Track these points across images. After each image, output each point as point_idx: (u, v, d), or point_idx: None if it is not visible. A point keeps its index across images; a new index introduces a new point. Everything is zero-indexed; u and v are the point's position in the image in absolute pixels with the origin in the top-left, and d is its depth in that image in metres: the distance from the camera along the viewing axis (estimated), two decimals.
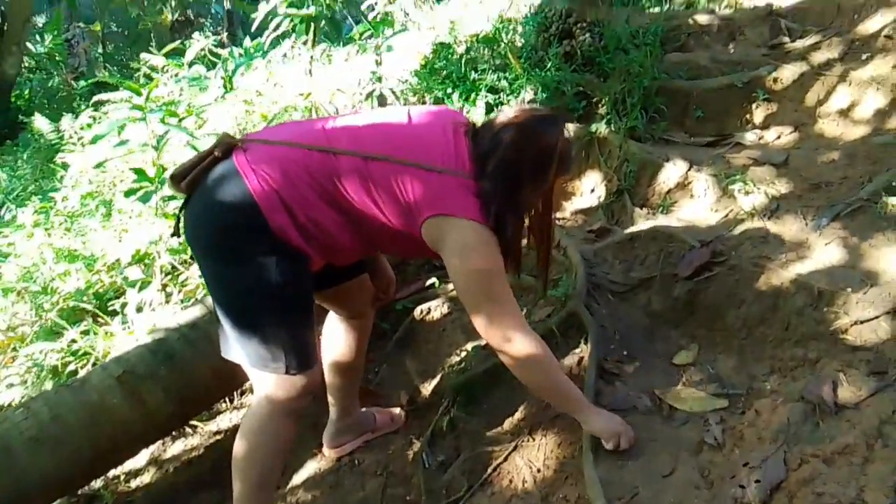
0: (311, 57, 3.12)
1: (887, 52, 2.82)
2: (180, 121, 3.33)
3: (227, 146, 1.58)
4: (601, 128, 3.02)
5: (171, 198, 2.96)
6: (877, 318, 1.82)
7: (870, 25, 3.05)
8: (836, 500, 1.43)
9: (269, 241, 1.52)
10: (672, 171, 2.74)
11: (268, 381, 1.62)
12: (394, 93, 3.75)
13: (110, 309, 3.12)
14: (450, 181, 1.56)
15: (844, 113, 2.78)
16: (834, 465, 1.52)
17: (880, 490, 1.42)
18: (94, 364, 2.60)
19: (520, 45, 3.66)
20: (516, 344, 1.63)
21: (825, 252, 2.11)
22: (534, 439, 1.96)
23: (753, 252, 2.22)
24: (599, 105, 3.22)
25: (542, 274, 1.87)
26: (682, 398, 1.92)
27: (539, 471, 1.86)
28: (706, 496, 1.59)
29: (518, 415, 2.07)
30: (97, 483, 2.26)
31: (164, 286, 2.93)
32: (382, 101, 3.68)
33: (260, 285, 1.54)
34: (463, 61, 3.54)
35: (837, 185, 2.39)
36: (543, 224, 1.73)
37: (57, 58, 10.70)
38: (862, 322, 1.82)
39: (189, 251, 3.18)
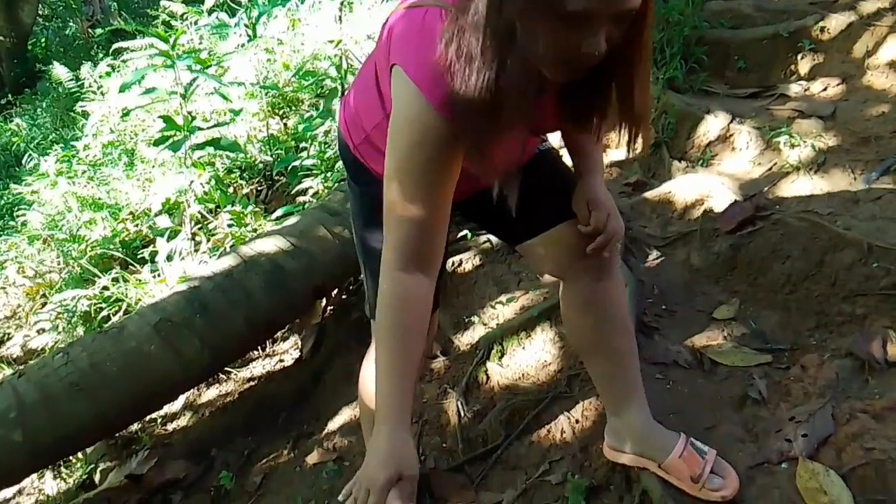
0: (341, 3, 3.04)
1: None
2: (204, 69, 3.28)
3: None
4: None
5: (200, 146, 2.94)
6: None
7: None
8: (886, 455, 1.41)
9: None
10: (713, 124, 2.66)
11: None
12: None
13: (139, 257, 3.13)
14: (427, 15, 1.06)
15: (894, 64, 2.67)
16: (884, 421, 1.49)
17: None
18: (126, 311, 2.62)
19: None
20: (384, 267, 1.15)
21: (874, 207, 2.05)
22: (571, 391, 1.95)
23: (799, 207, 2.16)
24: None
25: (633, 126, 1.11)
26: (724, 353, 1.89)
27: (577, 421, 1.85)
28: (751, 449, 1.57)
29: (554, 367, 2.06)
30: (134, 426, 2.29)
31: (194, 235, 2.93)
32: None
33: None
34: None
35: (888, 139, 2.31)
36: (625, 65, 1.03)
37: (73, 5, 10.57)
38: None
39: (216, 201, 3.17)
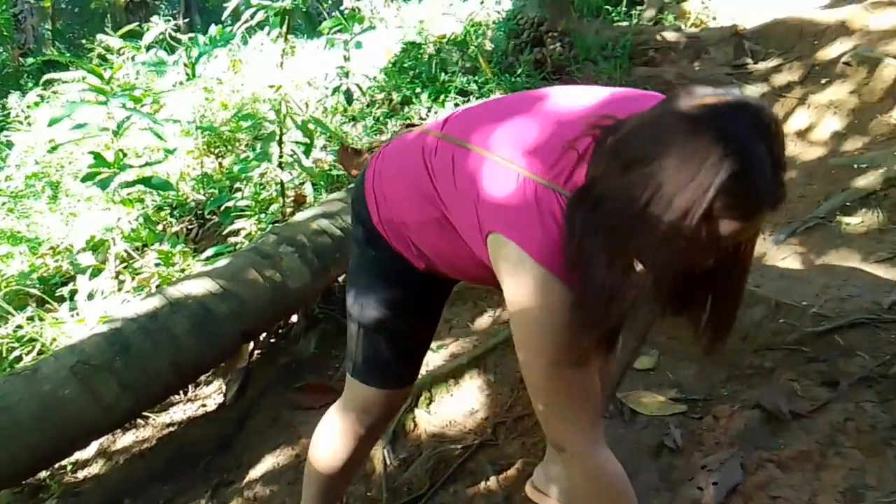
0: (283, 49, 3.08)
1: (845, 78, 2.95)
2: (139, 105, 3.23)
3: None
4: None
5: (130, 184, 2.88)
6: (830, 331, 1.89)
7: (829, 51, 3.19)
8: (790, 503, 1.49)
9: None
10: None
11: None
12: (360, 88, 3.73)
13: (57, 295, 3.01)
14: (530, 190, 1.06)
15: (803, 134, 2.90)
16: (789, 471, 1.58)
17: (832, 496, 1.48)
18: (40, 352, 2.50)
19: (490, 49, 3.70)
20: (574, 457, 1.17)
21: (782, 266, 2.19)
22: (496, 438, 1.97)
23: None
24: None
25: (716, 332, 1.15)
26: (643, 402, 1.96)
27: (502, 470, 1.87)
28: (666, 498, 1.63)
29: (481, 414, 2.08)
30: (43, 473, 2.17)
31: (118, 273, 2.85)
32: (349, 97, 3.66)
33: None
34: (433, 62, 3.55)
35: (795, 203, 2.49)
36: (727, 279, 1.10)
37: (4, 33, 10.26)
38: (816, 335, 1.90)
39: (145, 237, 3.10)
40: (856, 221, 2.30)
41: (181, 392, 2.57)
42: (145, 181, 2.79)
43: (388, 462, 2.02)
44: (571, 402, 1.13)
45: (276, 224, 2.81)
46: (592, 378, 1.13)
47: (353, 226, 1.44)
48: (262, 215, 3.00)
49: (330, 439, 1.53)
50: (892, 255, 2.08)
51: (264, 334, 2.62)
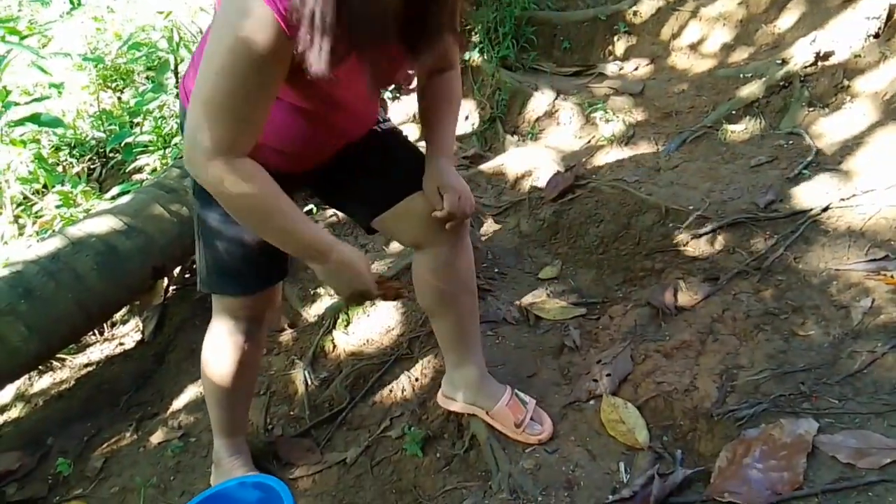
0: None
1: None
2: (22, 39, 3.03)
3: None
4: (474, 56, 3.09)
5: (19, 122, 2.74)
6: (712, 231, 2.05)
7: None
8: (672, 387, 1.65)
9: None
10: (540, 100, 2.87)
11: None
12: None
13: None
14: None
15: (695, 47, 3.01)
16: (672, 358, 1.74)
17: (710, 377, 1.65)
18: None
19: None
20: (210, 169, 1.13)
21: (672, 175, 2.33)
22: (412, 352, 2.07)
23: (611, 176, 2.40)
24: (472, 34, 3.27)
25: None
26: (546, 308, 2.09)
27: (417, 379, 1.97)
28: (565, 391, 1.77)
29: (397, 331, 2.17)
30: None
31: (17, 217, 2.74)
32: None
33: None
34: None
35: (685, 114, 2.61)
36: None
37: None
38: (699, 236, 2.05)
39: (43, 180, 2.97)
40: (740, 129, 2.45)
41: (97, 332, 2.55)
42: (34, 119, 2.66)
43: (308, 382, 2.09)
44: (225, 113, 1.09)
45: (181, 158, 2.75)
46: (255, 110, 1.12)
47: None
48: (166, 150, 2.92)
49: (215, 355, 1.59)
50: (770, 159, 2.24)
51: (178, 269, 2.60)
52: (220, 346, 1.57)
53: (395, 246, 2.58)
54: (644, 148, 2.49)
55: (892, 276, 1.73)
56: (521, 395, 1.71)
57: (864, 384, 1.52)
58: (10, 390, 2.29)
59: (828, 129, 2.29)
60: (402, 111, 3.35)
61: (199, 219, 1.43)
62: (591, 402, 1.72)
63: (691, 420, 1.59)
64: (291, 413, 2.03)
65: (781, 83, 2.46)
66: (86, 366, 2.39)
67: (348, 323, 2.24)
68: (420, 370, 1.99)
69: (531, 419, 1.66)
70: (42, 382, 2.35)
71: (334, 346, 2.19)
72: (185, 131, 1.14)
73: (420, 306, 1.78)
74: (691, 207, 2.13)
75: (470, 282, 1.63)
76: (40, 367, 2.31)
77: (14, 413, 2.26)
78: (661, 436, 1.59)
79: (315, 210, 2.69)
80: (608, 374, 1.74)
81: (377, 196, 1.49)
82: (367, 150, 1.47)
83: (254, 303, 1.52)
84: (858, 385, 1.52)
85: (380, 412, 1.92)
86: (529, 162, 2.59)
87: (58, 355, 2.34)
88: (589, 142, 2.64)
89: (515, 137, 2.90)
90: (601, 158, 2.49)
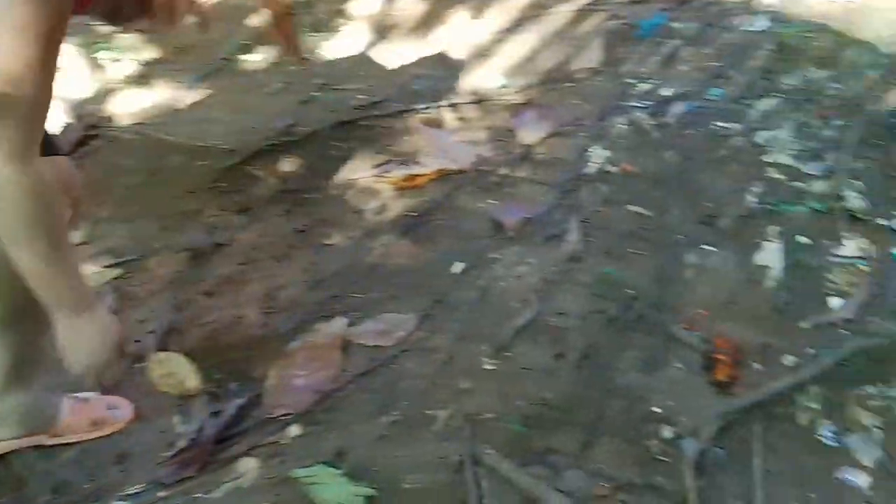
0: None
1: None
2: None
3: None
4: None
5: None
6: (239, 163, 2.05)
7: None
8: (218, 324, 1.64)
9: None
10: None
11: None
12: None
13: None
14: None
15: None
16: (217, 297, 1.72)
17: (255, 304, 1.68)
18: None
19: None
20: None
21: (196, 111, 2.25)
22: None
23: (131, 121, 2.22)
24: None
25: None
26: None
27: None
28: None
29: None
30: None
31: None
32: None
33: None
34: None
35: (202, 48, 2.52)
36: None
37: None
38: (229, 169, 2.03)
39: None
40: (256, 59, 2.47)
41: None
42: None
43: None
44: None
45: None
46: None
47: None
48: None
49: None
50: (284, 86, 2.32)
51: None
52: None
53: None
54: (163, 87, 2.34)
55: (393, 178, 1.96)
56: (78, 395, 1.48)
57: (382, 274, 1.72)
58: None
59: (331, 52, 2.45)
60: None
61: None
62: (139, 364, 1.60)
63: (241, 351, 1.60)
64: None
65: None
66: None
67: None
68: None
69: (108, 408, 1.47)
70: None
71: None
72: None
73: None
74: (218, 143, 2.09)
75: None
76: None
77: None
78: (215, 375, 1.57)
79: None
80: (151, 332, 1.64)
81: None
82: None
83: None
84: (376, 276, 1.71)
85: None
86: None
87: None
88: (100, 87, 2.38)
89: None
90: (117, 103, 2.27)
